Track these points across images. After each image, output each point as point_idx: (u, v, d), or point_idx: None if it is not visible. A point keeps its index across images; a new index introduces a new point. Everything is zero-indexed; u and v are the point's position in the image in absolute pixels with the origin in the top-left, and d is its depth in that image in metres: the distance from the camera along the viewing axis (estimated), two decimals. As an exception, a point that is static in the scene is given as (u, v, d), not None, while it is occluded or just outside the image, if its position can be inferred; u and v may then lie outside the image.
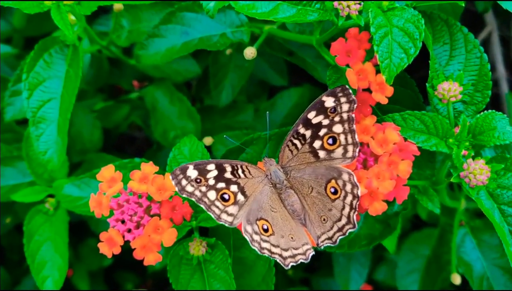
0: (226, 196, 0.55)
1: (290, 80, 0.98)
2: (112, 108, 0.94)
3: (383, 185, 0.54)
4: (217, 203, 0.55)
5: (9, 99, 0.81)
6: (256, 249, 0.55)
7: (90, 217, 0.86)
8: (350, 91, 0.55)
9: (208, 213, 0.54)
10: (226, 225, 0.55)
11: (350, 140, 0.55)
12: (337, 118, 0.55)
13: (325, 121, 0.55)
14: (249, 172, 0.57)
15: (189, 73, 0.87)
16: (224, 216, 0.55)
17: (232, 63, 0.89)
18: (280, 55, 0.83)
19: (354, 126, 0.55)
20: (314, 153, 0.56)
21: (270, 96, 1.00)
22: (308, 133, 0.56)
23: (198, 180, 0.54)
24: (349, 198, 0.54)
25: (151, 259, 0.56)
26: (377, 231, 0.68)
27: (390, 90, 0.56)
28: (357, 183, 0.54)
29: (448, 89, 0.57)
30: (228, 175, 0.56)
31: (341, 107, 0.55)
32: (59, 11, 0.65)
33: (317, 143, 0.56)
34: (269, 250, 0.55)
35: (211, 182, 0.55)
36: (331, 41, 0.58)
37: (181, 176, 0.54)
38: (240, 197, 0.55)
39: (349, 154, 0.55)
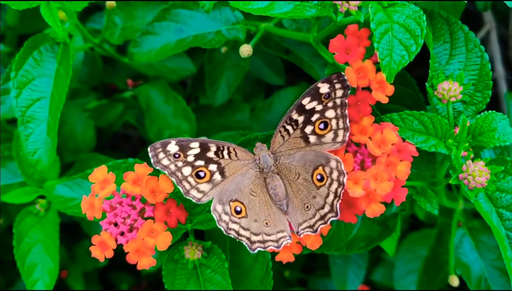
0: (201, 173, 0.56)
1: (286, 79, 0.96)
2: (105, 107, 0.93)
3: (381, 186, 0.53)
4: (190, 179, 0.56)
5: (-1, 98, 0.79)
6: (222, 229, 0.55)
7: (83, 218, 0.85)
8: (345, 77, 0.55)
9: (178, 187, 0.55)
10: (194, 200, 0.56)
11: (341, 125, 0.55)
12: (330, 104, 0.55)
13: (319, 107, 0.56)
14: (236, 154, 0.57)
15: (184, 71, 0.86)
16: (193, 192, 0.56)
17: (228, 61, 0.87)
18: (276, 54, 0.82)
19: (347, 111, 0.55)
20: (305, 137, 0.57)
21: (266, 96, 0.99)
22: (301, 119, 0.56)
23: (177, 155, 0.55)
24: (334, 185, 0.54)
25: (145, 263, 0.55)
26: (375, 232, 0.67)
27: (390, 89, 0.55)
28: (344, 171, 0.54)
29: (448, 89, 0.55)
30: (210, 154, 0.56)
31: (335, 93, 0.55)
32: (48, 8, 0.63)
33: (308, 129, 0.56)
34: (237, 232, 0.55)
35: (190, 158, 0.56)
36: (329, 39, 0.57)
37: (160, 149, 0.55)
38: (217, 176, 0.56)
39: (339, 138, 0.55)
